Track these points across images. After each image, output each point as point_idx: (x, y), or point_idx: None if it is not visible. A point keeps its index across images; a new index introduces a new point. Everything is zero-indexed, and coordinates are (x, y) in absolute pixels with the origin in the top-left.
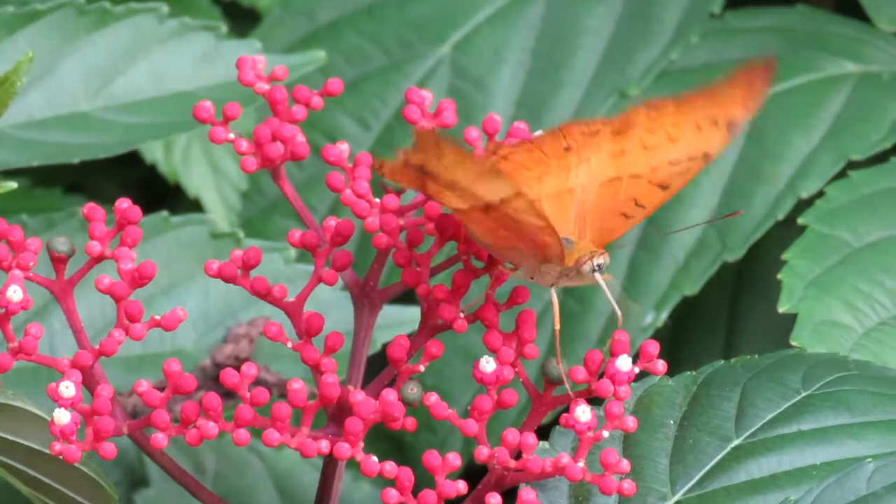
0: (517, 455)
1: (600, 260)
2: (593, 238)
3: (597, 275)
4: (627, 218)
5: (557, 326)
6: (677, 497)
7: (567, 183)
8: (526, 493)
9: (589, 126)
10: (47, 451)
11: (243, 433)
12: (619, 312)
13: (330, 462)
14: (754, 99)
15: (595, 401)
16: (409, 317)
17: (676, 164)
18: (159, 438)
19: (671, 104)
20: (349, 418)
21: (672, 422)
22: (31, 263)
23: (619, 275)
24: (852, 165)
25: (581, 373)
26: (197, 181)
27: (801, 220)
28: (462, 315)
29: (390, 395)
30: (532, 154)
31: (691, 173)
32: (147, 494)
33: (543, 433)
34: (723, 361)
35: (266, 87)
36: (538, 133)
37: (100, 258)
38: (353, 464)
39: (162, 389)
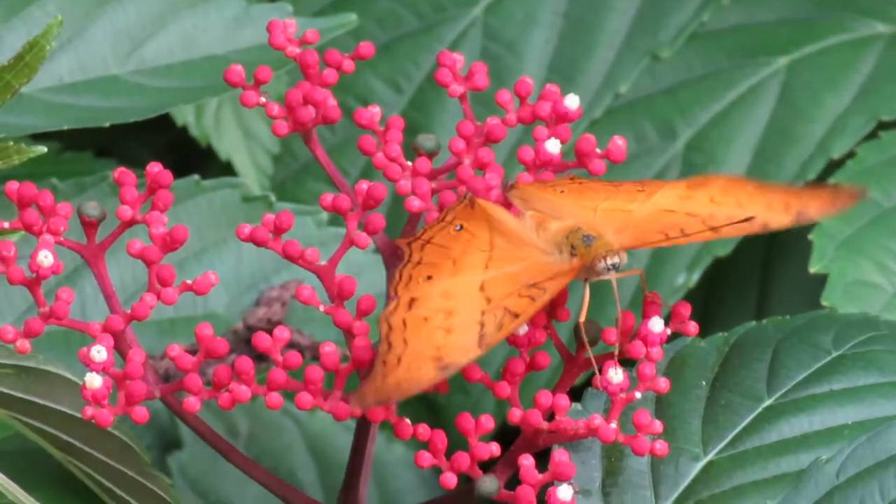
0: (550, 417)
1: (615, 259)
2: (626, 241)
3: (611, 273)
4: (668, 238)
5: (582, 319)
6: (709, 457)
7: (627, 206)
8: (559, 454)
9: (667, 182)
10: (79, 416)
11: (276, 396)
12: (619, 318)
13: (363, 425)
14: (830, 211)
15: (627, 363)
16: None
17: (734, 220)
18: (192, 402)
19: (752, 184)
20: None
21: (704, 383)
22: (62, 228)
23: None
24: (883, 126)
25: (613, 335)
26: (228, 145)
27: (832, 181)
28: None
29: None
30: (607, 188)
31: (745, 231)
32: (180, 457)
33: (576, 395)
34: (754, 323)
35: (297, 50)
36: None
37: (131, 222)
38: (385, 426)
39: (194, 353)
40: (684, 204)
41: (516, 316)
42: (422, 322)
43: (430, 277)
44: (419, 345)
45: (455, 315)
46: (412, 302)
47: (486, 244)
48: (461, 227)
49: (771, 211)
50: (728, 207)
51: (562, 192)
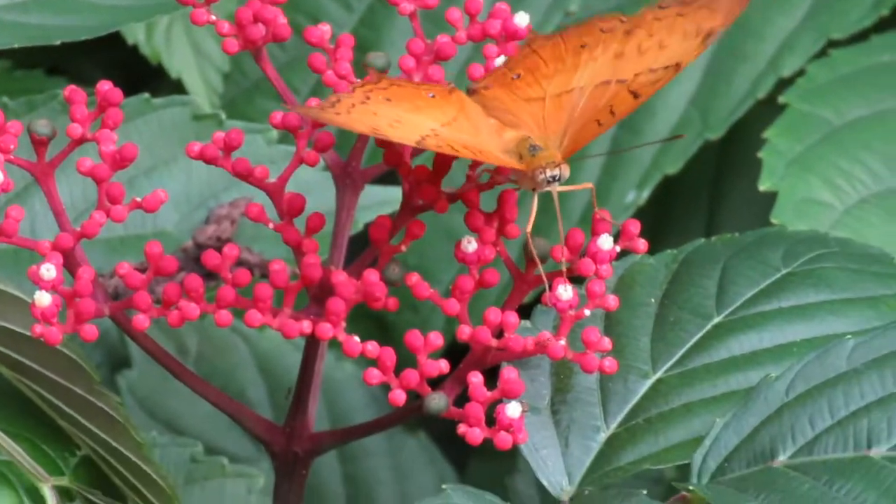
0: (499, 334)
1: (554, 171)
2: (567, 146)
3: (554, 186)
4: (600, 125)
5: (529, 229)
6: (658, 375)
7: (571, 83)
8: (508, 371)
9: (606, 22)
10: (28, 334)
11: (225, 314)
12: (561, 231)
13: (312, 342)
14: (738, 7)
15: (577, 280)
16: (390, 197)
17: (654, 73)
18: (141, 320)
19: (677, 5)
20: (331, 298)
21: (653, 300)
22: (12, 146)
23: (599, 158)
24: (833, 44)
25: (562, 252)
26: (179, 63)
27: (781, 99)
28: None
29: (372, 275)
30: (556, 49)
31: (661, 83)
32: (129, 376)
33: (525, 312)
34: (703, 240)
35: None
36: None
37: (81, 140)
38: (335, 344)
39: (143, 271)
40: (617, 68)
41: (456, 151)
42: (370, 113)
43: (389, 100)
44: (362, 118)
45: (402, 125)
46: (366, 101)
47: (450, 116)
48: (433, 95)
49: (686, 41)
50: (651, 55)
51: (518, 76)
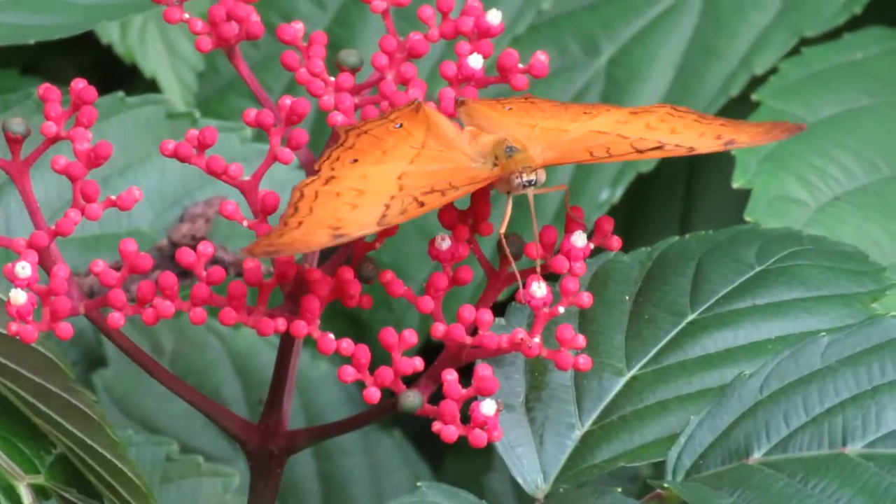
0: (473, 331)
1: (531, 177)
2: (551, 157)
3: (528, 192)
4: (591, 157)
5: (502, 230)
6: (633, 372)
7: (566, 126)
8: (482, 369)
9: (613, 106)
10: (4, 332)
11: (199, 312)
12: (536, 233)
13: (286, 340)
14: (765, 140)
15: (551, 277)
16: None
17: (664, 146)
18: (116, 318)
19: (694, 115)
20: (305, 296)
21: (628, 298)
22: None
23: None
24: (806, 42)
25: (536, 249)
26: (153, 62)
27: (754, 97)
28: None
29: (346, 272)
30: (555, 108)
31: (671, 154)
32: (105, 374)
33: (500, 310)
34: (677, 237)
35: None
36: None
37: (55, 138)
38: (310, 343)
39: (118, 269)
40: (619, 127)
41: (422, 205)
42: (333, 196)
43: (355, 161)
44: (322, 214)
45: (365, 195)
46: (330, 179)
47: (418, 143)
48: (401, 125)
49: (702, 139)
50: (661, 133)
51: (509, 109)
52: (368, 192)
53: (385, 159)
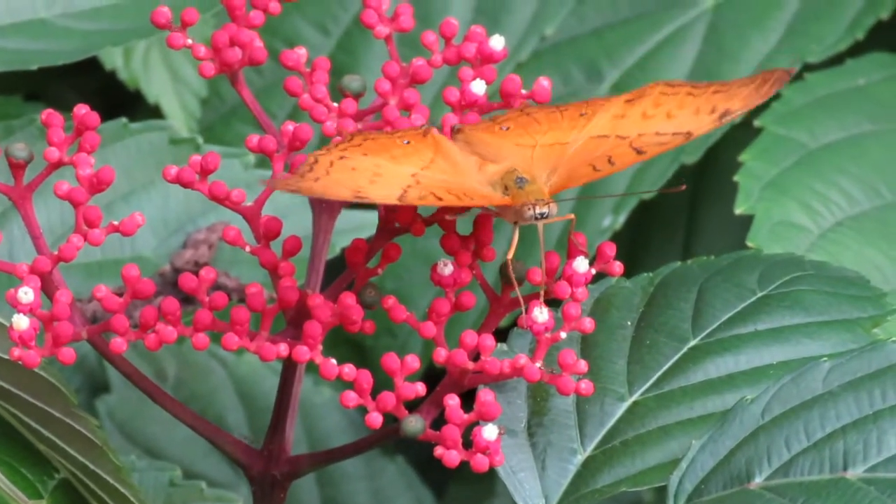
0: (475, 357)
1: (543, 209)
2: (556, 183)
3: (539, 223)
4: (595, 171)
5: (510, 257)
6: (635, 397)
7: (566, 137)
8: (484, 394)
9: (608, 99)
10: (6, 357)
11: (202, 337)
12: (542, 263)
13: (289, 366)
14: (758, 98)
15: (553, 303)
16: (367, 221)
17: (661, 136)
18: (118, 343)
19: (687, 87)
20: (308, 321)
21: (629, 323)
22: None
23: None
24: (808, 68)
25: (538, 274)
26: (156, 88)
27: (757, 122)
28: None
29: (348, 298)
30: (552, 115)
31: (669, 146)
32: (108, 400)
33: (502, 336)
34: (679, 263)
35: None
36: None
37: (58, 164)
38: (313, 369)
39: (121, 295)
40: (617, 126)
41: (440, 199)
42: (349, 169)
43: (365, 154)
44: (341, 178)
45: (382, 178)
46: (343, 157)
47: (427, 159)
48: (408, 142)
49: (697, 116)
50: (657, 121)
51: (507, 128)
52: (385, 176)
53: (396, 162)
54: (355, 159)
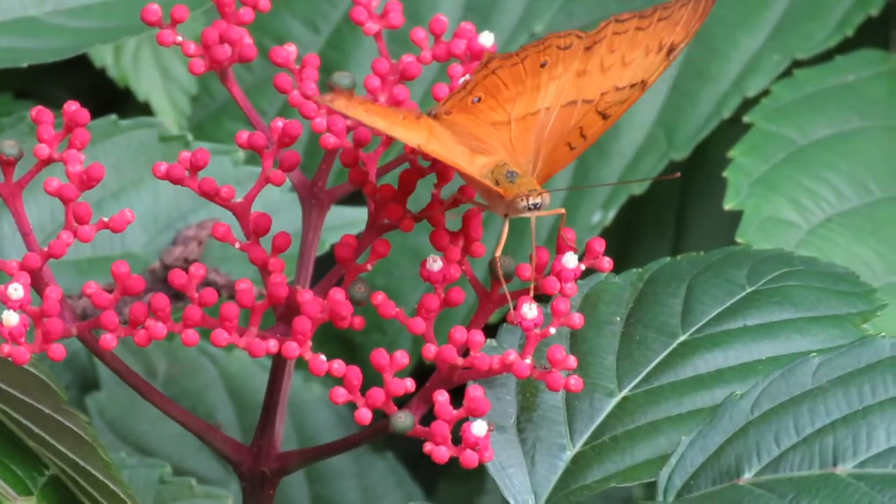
0: (465, 353)
1: (537, 200)
2: (541, 170)
3: (531, 215)
4: (572, 149)
5: (498, 254)
6: (624, 393)
7: (535, 104)
8: (473, 390)
9: (564, 39)
10: None
11: (192, 333)
12: (534, 256)
13: (279, 362)
14: (696, 20)
15: (542, 299)
16: (356, 217)
17: (621, 91)
18: (108, 339)
19: (635, 20)
20: (297, 317)
21: (619, 319)
22: None
23: (566, 173)
24: (797, 64)
25: (527, 270)
26: (146, 85)
27: (746, 119)
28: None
29: (338, 293)
30: (514, 70)
31: (629, 102)
32: (98, 397)
33: (491, 332)
34: (669, 258)
35: None
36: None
37: (48, 161)
38: (303, 366)
39: (111, 291)
40: (581, 87)
41: (451, 161)
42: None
43: (367, 112)
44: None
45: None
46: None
47: (424, 138)
48: (404, 117)
49: (647, 57)
50: (615, 72)
51: (479, 99)
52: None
53: (394, 126)
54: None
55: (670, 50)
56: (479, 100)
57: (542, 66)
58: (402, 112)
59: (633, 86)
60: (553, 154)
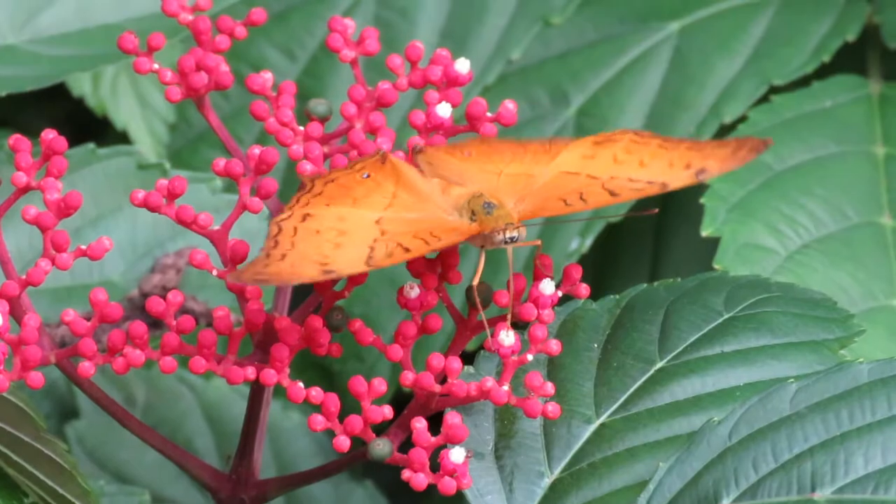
0: (442, 380)
1: (513, 233)
2: (525, 210)
3: (508, 247)
4: (566, 205)
5: (475, 282)
6: (602, 419)
7: (531, 170)
8: (451, 417)
9: (573, 139)
10: None
11: (170, 360)
12: (511, 286)
13: (257, 389)
14: (734, 163)
15: (520, 326)
16: None
17: (635, 183)
18: (86, 367)
19: (658, 140)
20: (275, 345)
21: (596, 345)
22: None
23: None
24: (774, 90)
25: (505, 297)
26: (125, 113)
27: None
28: None
29: (315, 321)
30: (515, 149)
31: (644, 193)
32: (77, 426)
33: (469, 359)
34: (646, 285)
35: (190, 17)
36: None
37: (26, 189)
38: (281, 393)
39: (89, 319)
40: (587, 165)
41: (408, 251)
42: (313, 233)
43: (328, 204)
44: (306, 249)
45: (347, 236)
46: (306, 217)
47: (389, 194)
48: (368, 175)
49: (672, 169)
50: (630, 167)
51: (469, 154)
52: (350, 232)
53: (359, 206)
54: (318, 216)
55: (700, 172)
56: (471, 155)
57: (545, 153)
58: (363, 165)
59: (651, 182)
60: (543, 203)
